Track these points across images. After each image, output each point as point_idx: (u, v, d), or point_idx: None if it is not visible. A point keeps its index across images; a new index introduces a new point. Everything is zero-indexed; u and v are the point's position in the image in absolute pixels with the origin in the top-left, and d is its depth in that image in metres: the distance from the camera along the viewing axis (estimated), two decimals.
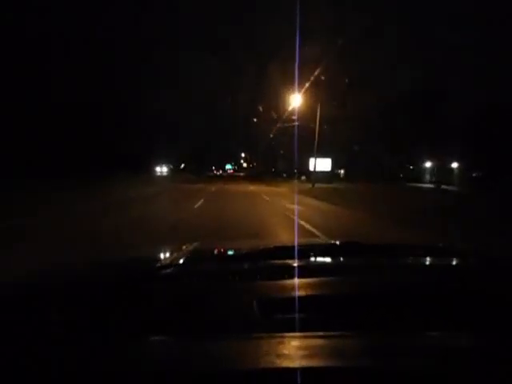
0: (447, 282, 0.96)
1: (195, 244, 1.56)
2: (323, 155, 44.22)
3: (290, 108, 32.54)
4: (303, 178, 45.88)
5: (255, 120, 47.24)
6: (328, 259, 1.31)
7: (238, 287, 0.93)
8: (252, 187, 29.22)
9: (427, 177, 51.80)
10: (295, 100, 29.54)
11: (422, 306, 0.85)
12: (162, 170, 65.36)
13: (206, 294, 0.88)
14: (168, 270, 1.02)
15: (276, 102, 39.56)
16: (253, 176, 68.01)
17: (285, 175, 64.02)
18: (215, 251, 1.47)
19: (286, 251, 1.26)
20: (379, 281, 0.97)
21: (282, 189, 28.03)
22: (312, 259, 1.28)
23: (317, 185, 31.85)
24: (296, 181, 44.82)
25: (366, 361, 0.58)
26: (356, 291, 0.90)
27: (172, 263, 1.12)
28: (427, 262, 1.31)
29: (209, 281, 0.97)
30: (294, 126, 34.85)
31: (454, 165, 47.10)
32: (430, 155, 46.95)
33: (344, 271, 1.08)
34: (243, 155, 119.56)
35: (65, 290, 0.90)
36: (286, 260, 1.15)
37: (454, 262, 1.33)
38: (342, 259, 1.31)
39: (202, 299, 0.85)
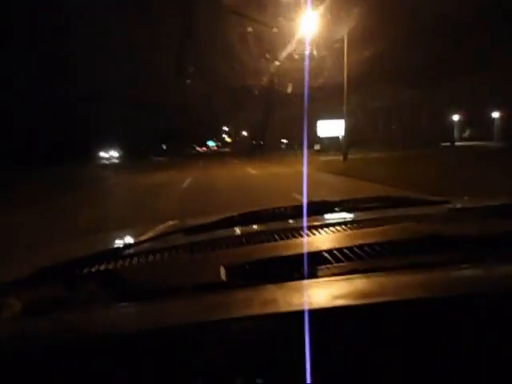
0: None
1: (170, 222, 1.55)
2: (331, 115, 33.82)
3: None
4: (317, 147, 35.18)
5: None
6: (292, 221, 1.25)
7: (203, 256, 0.92)
8: (251, 170, 18.93)
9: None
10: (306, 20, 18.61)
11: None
12: (110, 154, 51.01)
13: (170, 266, 0.88)
14: (136, 247, 1.02)
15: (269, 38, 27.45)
16: (240, 151, 57.36)
17: (283, 146, 53.18)
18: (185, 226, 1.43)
19: (253, 216, 1.30)
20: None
21: (298, 167, 17.97)
22: (275, 224, 1.22)
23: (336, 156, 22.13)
24: (299, 152, 34.24)
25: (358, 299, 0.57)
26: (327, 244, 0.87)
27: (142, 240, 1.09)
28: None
29: (174, 253, 0.96)
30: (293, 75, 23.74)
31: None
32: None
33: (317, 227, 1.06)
34: (226, 129, 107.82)
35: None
36: (252, 225, 1.19)
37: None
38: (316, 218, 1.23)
39: (166, 270, 0.84)
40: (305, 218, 1.16)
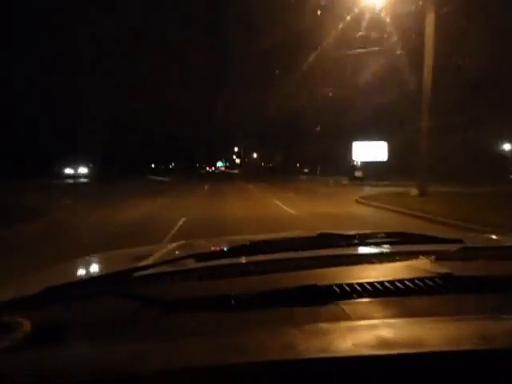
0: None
1: (180, 242, 1.57)
2: (368, 135, 27.72)
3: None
4: (358, 173, 28.01)
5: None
6: (302, 253, 1.21)
7: (214, 284, 0.92)
8: (282, 205, 12.51)
9: None
10: None
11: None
12: (76, 171, 38.76)
13: (183, 293, 0.86)
14: (146, 270, 1.00)
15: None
16: (250, 173, 51.32)
17: (306, 170, 46.69)
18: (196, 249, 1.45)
19: (263, 246, 1.29)
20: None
21: (348, 203, 11.76)
22: (286, 254, 1.20)
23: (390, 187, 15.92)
24: (332, 181, 27.73)
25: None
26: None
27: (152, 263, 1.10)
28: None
29: (186, 279, 0.95)
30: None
31: None
32: None
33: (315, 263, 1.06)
34: (236, 149, 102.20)
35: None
36: (261, 255, 1.17)
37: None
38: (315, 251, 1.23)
39: (179, 299, 0.82)
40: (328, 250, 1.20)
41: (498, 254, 1.16)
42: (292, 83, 29.88)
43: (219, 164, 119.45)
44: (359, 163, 28.14)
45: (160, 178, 36.65)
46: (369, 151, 27.13)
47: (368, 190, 17.86)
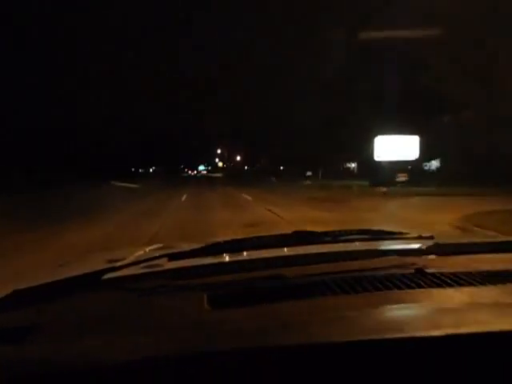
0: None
1: (154, 246, 1.54)
2: (393, 128, 21.96)
3: None
4: (401, 177, 21.33)
5: None
6: (278, 250, 1.25)
7: (186, 284, 0.91)
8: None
9: None
10: None
11: None
12: None
13: (154, 293, 0.84)
14: (118, 272, 1.01)
15: None
16: (236, 177, 45.31)
17: (309, 173, 39.38)
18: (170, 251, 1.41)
19: (235, 245, 1.32)
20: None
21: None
22: (257, 251, 1.22)
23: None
24: (355, 187, 21.64)
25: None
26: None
27: (125, 264, 1.09)
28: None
29: (157, 280, 0.93)
30: None
31: None
32: None
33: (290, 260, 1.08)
34: (219, 151, 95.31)
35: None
36: (236, 253, 1.19)
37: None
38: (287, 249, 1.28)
39: (149, 299, 0.82)
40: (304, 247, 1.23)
41: (469, 250, 1.19)
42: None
43: (201, 167, 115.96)
44: (384, 162, 21.84)
45: (128, 185, 28.09)
46: (397, 148, 21.22)
47: (445, 205, 11.89)
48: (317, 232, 1.43)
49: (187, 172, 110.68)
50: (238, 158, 78.74)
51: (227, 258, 1.17)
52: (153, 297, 0.82)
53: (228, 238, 1.41)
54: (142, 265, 1.05)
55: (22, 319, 0.74)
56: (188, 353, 0.55)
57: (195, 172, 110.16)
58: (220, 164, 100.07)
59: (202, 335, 0.61)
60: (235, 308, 0.73)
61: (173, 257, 1.11)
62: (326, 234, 1.41)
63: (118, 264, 1.08)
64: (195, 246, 1.26)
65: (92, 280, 0.94)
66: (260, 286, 0.84)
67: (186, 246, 1.35)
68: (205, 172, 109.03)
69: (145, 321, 0.71)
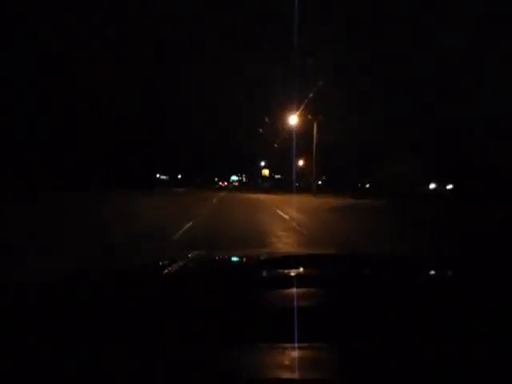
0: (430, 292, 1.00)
1: (196, 253, 1.60)
2: None
3: None
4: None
5: None
6: (323, 270, 1.30)
7: (238, 296, 0.94)
8: None
9: None
10: None
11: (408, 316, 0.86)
12: None
13: (203, 302, 0.89)
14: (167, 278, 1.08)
15: None
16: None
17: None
18: (215, 260, 1.50)
19: (284, 261, 1.37)
20: (371, 291, 0.99)
21: None
22: (309, 270, 1.28)
23: None
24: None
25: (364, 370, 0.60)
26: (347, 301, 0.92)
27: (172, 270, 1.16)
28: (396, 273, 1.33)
29: (206, 289, 0.99)
30: None
31: None
32: None
33: (335, 282, 1.09)
34: (263, 164, 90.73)
35: (70, 291, 0.97)
36: (283, 269, 1.20)
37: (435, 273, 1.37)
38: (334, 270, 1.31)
39: (199, 307, 0.87)
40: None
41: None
42: None
43: (233, 178, 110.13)
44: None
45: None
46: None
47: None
48: (337, 254, 1.64)
49: (218, 182, 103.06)
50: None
51: (277, 273, 1.20)
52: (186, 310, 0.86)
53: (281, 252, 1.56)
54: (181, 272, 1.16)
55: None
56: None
57: (226, 183, 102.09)
58: (265, 172, 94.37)
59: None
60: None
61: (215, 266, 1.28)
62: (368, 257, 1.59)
63: (158, 271, 1.21)
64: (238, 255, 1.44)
65: (151, 275, 1.10)
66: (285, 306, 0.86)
67: (221, 255, 1.52)
68: (237, 184, 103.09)
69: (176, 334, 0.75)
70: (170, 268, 1.16)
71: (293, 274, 1.14)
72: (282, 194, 35.37)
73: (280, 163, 65.43)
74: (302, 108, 31.39)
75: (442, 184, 41.23)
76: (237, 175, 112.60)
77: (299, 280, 1.02)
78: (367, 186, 53.82)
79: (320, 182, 52.54)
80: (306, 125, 33.58)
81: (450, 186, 40.01)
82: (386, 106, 41.38)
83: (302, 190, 43.89)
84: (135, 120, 41.20)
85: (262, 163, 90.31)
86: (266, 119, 45.77)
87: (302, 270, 1.25)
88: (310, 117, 32.95)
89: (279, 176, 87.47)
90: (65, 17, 33.86)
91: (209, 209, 15.61)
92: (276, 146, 53.01)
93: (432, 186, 42.87)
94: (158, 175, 67.00)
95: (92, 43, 36.48)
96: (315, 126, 32.76)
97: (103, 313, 0.82)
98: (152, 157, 51.11)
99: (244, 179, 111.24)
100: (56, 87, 28.52)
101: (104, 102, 34.12)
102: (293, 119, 33.76)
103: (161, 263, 1.33)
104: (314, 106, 31.60)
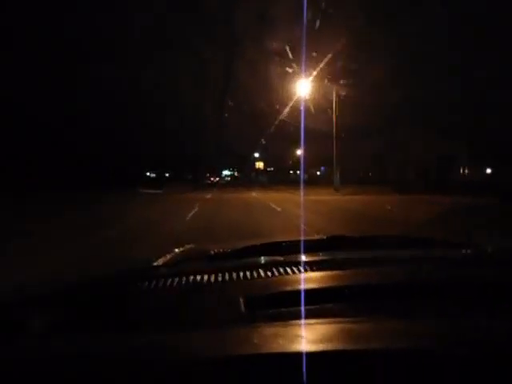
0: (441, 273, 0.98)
1: (188, 246, 1.60)
2: None
3: None
4: None
5: None
6: (314, 254, 1.25)
7: (225, 284, 0.94)
8: None
9: None
10: None
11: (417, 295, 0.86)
12: None
13: (193, 292, 0.90)
14: (158, 270, 1.07)
15: None
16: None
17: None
18: (206, 251, 1.48)
19: (275, 247, 1.33)
20: (363, 274, 0.98)
21: None
22: (298, 255, 1.25)
23: None
24: None
25: (363, 344, 0.57)
26: (346, 283, 0.89)
27: (163, 264, 1.15)
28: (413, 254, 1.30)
29: (196, 279, 0.98)
30: None
31: None
32: None
33: (331, 265, 1.07)
34: (256, 155, 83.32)
35: (58, 290, 0.97)
36: (274, 256, 1.19)
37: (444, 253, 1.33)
38: (328, 253, 1.28)
39: (188, 297, 0.87)
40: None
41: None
42: None
43: (225, 172, 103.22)
44: None
45: None
46: None
47: None
48: (353, 237, 1.46)
49: (209, 178, 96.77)
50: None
51: (263, 261, 1.17)
52: (191, 296, 0.85)
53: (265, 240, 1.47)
54: (181, 265, 1.12)
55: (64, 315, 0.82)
56: (221, 356, 0.53)
57: (217, 179, 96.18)
58: (260, 165, 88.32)
59: (238, 337, 0.60)
60: (272, 310, 0.75)
61: (212, 258, 1.20)
62: (360, 239, 1.48)
63: (153, 264, 1.17)
64: (231, 246, 1.33)
65: (137, 276, 1.02)
66: (295, 288, 0.84)
67: (218, 247, 1.41)
68: (229, 178, 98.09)
69: (182, 319, 0.74)
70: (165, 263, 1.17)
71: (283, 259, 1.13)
72: (289, 191, 25.40)
73: (272, 153, 58.61)
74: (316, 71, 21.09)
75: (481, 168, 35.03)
76: (229, 169, 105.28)
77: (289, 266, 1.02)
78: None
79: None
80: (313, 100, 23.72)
81: (488, 171, 35.28)
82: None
83: (311, 184, 34.37)
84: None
85: (256, 154, 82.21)
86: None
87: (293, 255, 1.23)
88: (327, 81, 22.81)
89: (271, 168, 79.16)
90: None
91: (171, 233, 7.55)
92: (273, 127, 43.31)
93: (488, 170, 34.30)
94: (147, 173, 64.56)
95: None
96: (334, 96, 22.96)
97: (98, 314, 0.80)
98: (139, 155, 48.82)
99: (236, 173, 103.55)
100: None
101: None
102: (304, 86, 22.87)
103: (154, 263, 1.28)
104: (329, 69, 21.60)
